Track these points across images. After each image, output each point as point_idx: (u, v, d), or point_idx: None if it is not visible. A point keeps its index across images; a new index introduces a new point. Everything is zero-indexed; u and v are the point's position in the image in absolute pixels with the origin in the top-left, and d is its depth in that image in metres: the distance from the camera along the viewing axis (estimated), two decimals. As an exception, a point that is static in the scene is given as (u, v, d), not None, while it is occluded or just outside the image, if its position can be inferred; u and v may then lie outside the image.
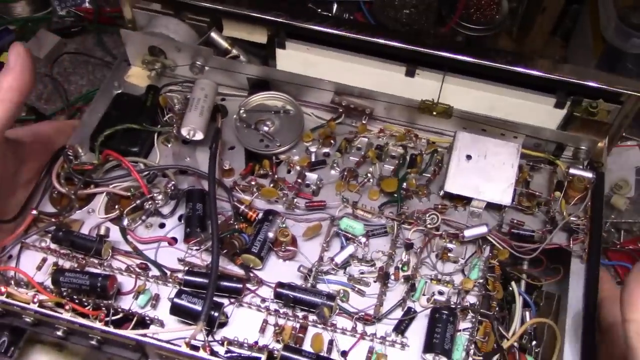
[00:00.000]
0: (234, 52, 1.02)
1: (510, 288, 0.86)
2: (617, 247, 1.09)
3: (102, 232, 0.83)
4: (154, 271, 0.84)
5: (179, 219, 0.89)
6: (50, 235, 0.84)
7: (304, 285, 0.82)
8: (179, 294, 0.78)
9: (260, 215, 0.87)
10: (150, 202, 0.87)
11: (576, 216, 0.89)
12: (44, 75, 1.27)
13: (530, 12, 1.22)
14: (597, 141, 0.94)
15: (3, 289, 0.76)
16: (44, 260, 0.84)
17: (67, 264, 0.83)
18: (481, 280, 0.84)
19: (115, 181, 0.91)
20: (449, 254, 0.87)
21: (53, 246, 0.84)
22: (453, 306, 0.82)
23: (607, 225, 1.10)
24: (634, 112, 0.94)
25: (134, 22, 1.06)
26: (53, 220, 0.86)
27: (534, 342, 0.85)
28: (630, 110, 0.95)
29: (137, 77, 1.05)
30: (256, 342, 0.77)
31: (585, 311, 0.83)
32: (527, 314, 0.86)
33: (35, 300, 0.75)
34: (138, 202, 0.87)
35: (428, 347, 0.78)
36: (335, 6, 1.23)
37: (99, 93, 1.03)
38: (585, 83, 0.93)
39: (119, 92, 1.02)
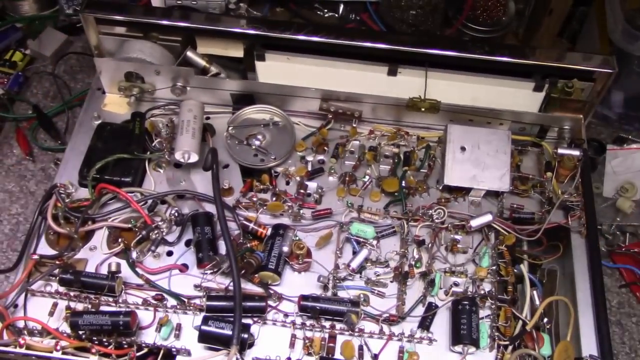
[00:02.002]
0: (213, 69, 1.01)
1: (516, 270, 0.89)
2: (622, 250, 1.10)
3: (113, 268, 0.81)
4: (170, 301, 0.82)
5: (186, 244, 0.88)
6: (57, 278, 0.81)
7: (324, 295, 0.83)
8: (205, 321, 0.76)
9: (270, 230, 0.87)
10: (156, 232, 0.86)
11: (569, 194, 0.93)
12: (50, 73, 1.26)
13: (536, 14, 1.24)
14: (578, 119, 0.98)
15: (22, 341, 0.73)
16: (55, 305, 0.81)
17: (79, 306, 0.81)
18: (493, 267, 0.86)
19: (113, 214, 0.89)
20: (458, 246, 0.89)
21: (61, 289, 0.82)
22: (472, 295, 0.84)
23: (613, 228, 1.11)
24: (606, 88, 0.99)
25: (101, 48, 1.03)
26: (57, 262, 0.83)
27: (545, 319, 0.87)
28: (601, 86, 0.99)
29: (115, 104, 1.03)
30: (289, 358, 0.77)
31: (593, 283, 0.87)
32: (535, 293, 0.88)
33: (59, 347, 0.73)
34: (144, 232, 0.85)
35: (456, 339, 0.80)
36: (341, 7, 1.24)
37: (77, 127, 1.00)
38: (560, 65, 0.97)
39: (100, 122, 0.99)
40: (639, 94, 1.22)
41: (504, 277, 0.86)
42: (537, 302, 0.85)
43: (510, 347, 0.81)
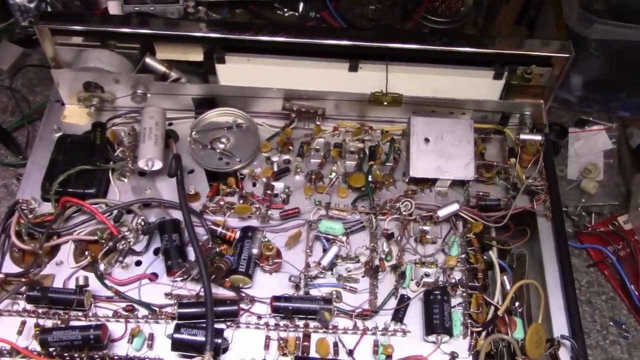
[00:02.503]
0: (174, 74, 1.00)
1: (485, 257, 0.90)
2: (589, 230, 1.10)
3: (80, 282, 0.80)
4: (141, 311, 0.81)
5: (155, 253, 0.87)
6: (24, 296, 0.80)
7: (296, 294, 0.83)
8: (177, 329, 0.76)
9: (238, 233, 0.86)
10: (122, 242, 0.85)
11: (533, 178, 0.94)
12: (7, 87, 1.24)
13: (494, 3, 1.25)
14: (539, 104, 0.99)
15: (-9, 363, 0.71)
16: (23, 323, 0.79)
17: (48, 323, 0.79)
18: (463, 255, 0.87)
19: (78, 227, 0.88)
20: (427, 236, 0.89)
21: (29, 307, 0.80)
22: (443, 285, 0.84)
23: (578, 209, 1.13)
24: (564, 72, 1.00)
25: (57, 59, 1.01)
26: (23, 280, 0.82)
27: (516, 303, 0.88)
28: (560, 71, 1.00)
29: (75, 116, 1.01)
30: (264, 360, 0.77)
31: (561, 265, 0.88)
32: (505, 278, 0.89)
33: (29, 367, 0.72)
34: (110, 244, 0.84)
35: (430, 329, 0.80)
36: (301, 5, 1.24)
37: (37, 140, 0.98)
38: (518, 52, 0.98)
39: (61, 135, 0.97)
40: (597, 77, 1.24)
41: (473, 264, 0.87)
42: (508, 287, 0.86)
43: (483, 333, 0.82)
